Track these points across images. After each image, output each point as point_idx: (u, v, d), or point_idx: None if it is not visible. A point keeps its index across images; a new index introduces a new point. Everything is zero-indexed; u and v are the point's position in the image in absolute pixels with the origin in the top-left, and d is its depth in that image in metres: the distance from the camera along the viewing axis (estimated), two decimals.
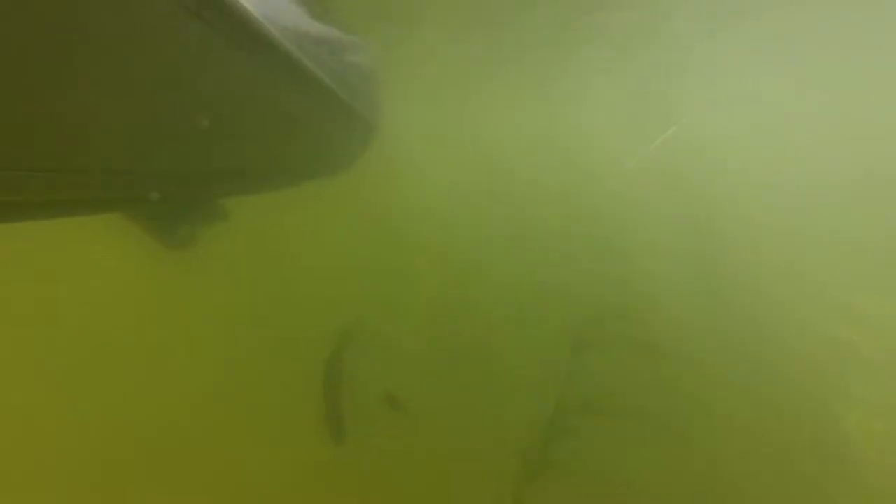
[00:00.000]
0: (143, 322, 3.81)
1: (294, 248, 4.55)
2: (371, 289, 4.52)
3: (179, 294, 3.88)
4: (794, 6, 5.25)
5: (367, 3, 3.93)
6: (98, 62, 1.20)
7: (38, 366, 3.58)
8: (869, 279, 4.87)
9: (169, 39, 1.31)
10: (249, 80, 1.74)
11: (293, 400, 3.78)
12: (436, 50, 5.77)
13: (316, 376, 3.86)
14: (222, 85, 1.63)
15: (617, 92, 7.06)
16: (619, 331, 3.89)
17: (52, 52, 1.08)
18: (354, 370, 3.88)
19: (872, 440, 3.89)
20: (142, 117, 1.44)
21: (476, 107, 7.02)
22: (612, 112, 7.08)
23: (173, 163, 1.72)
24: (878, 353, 4.35)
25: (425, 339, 4.19)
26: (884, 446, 3.86)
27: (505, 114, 7.01)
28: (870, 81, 6.54)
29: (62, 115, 1.20)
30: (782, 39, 6.18)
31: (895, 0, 5.09)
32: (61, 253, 3.52)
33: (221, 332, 3.88)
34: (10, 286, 3.67)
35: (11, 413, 3.38)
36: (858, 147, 6.12)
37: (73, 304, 3.74)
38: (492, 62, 6.56)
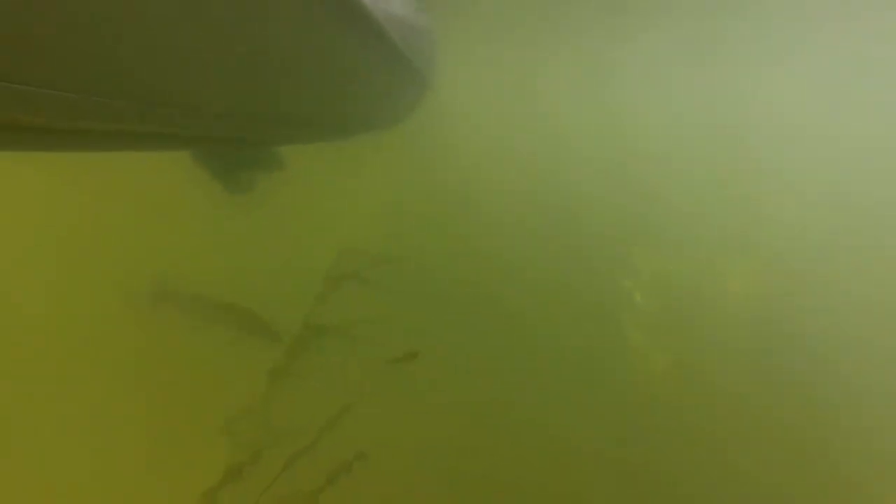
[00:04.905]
0: (195, 255, 4.10)
1: (344, 198, 4.72)
2: (413, 240, 4.72)
3: (235, 235, 4.14)
4: None
5: None
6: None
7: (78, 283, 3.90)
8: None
9: None
10: (317, 23, 1.80)
11: None
12: (497, 14, 5.70)
13: None
14: (293, 26, 1.69)
15: (678, 66, 6.90)
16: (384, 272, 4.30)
17: None
18: None
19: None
20: (220, 57, 1.51)
21: (532, 73, 6.94)
22: (669, 85, 6.92)
23: (245, 104, 1.81)
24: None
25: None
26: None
27: (561, 81, 6.90)
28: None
29: (149, 46, 1.27)
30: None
31: None
32: (132, 179, 3.80)
33: (268, 273, 4.13)
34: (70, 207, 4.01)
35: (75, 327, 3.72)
36: None
37: (134, 228, 4.08)
38: (553, 29, 6.43)
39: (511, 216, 5.23)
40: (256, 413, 3.66)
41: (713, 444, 4.19)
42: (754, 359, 4.66)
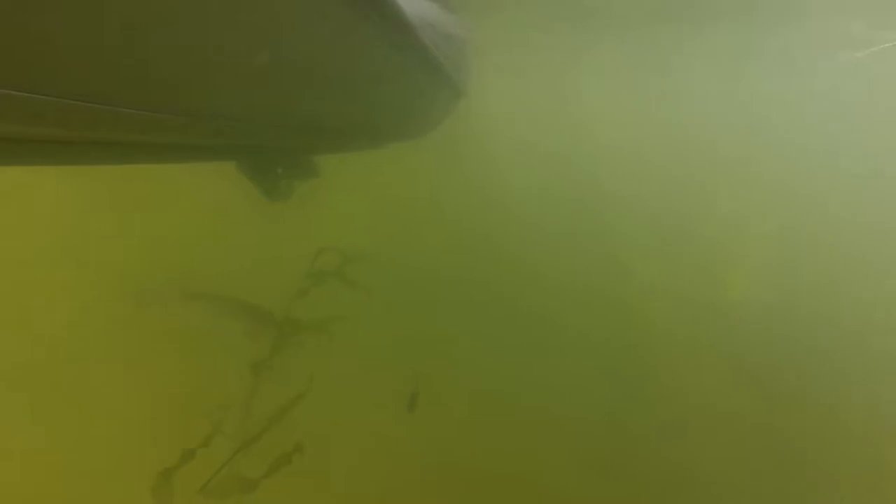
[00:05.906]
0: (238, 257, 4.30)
1: (378, 205, 4.78)
2: (446, 250, 4.73)
3: (273, 240, 4.29)
4: None
5: None
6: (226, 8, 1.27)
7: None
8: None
9: None
10: (357, 34, 1.82)
11: None
12: (529, 22, 5.70)
13: None
14: (333, 38, 1.71)
15: (714, 72, 6.82)
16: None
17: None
18: None
19: None
20: (262, 67, 1.53)
21: (565, 82, 6.91)
22: (706, 91, 6.84)
23: (285, 115, 1.84)
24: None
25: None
26: None
27: (594, 89, 6.86)
28: None
29: (191, 59, 1.29)
30: None
31: None
32: (178, 190, 3.99)
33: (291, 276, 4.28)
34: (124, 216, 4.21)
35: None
36: None
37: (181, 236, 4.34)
38: (585, 39, 6.39)
39: (541, 221, 5.23)
40: (238, 404, 3.80)
41: (732, 446, 4.14)
42: (781, 367, 4.62)
